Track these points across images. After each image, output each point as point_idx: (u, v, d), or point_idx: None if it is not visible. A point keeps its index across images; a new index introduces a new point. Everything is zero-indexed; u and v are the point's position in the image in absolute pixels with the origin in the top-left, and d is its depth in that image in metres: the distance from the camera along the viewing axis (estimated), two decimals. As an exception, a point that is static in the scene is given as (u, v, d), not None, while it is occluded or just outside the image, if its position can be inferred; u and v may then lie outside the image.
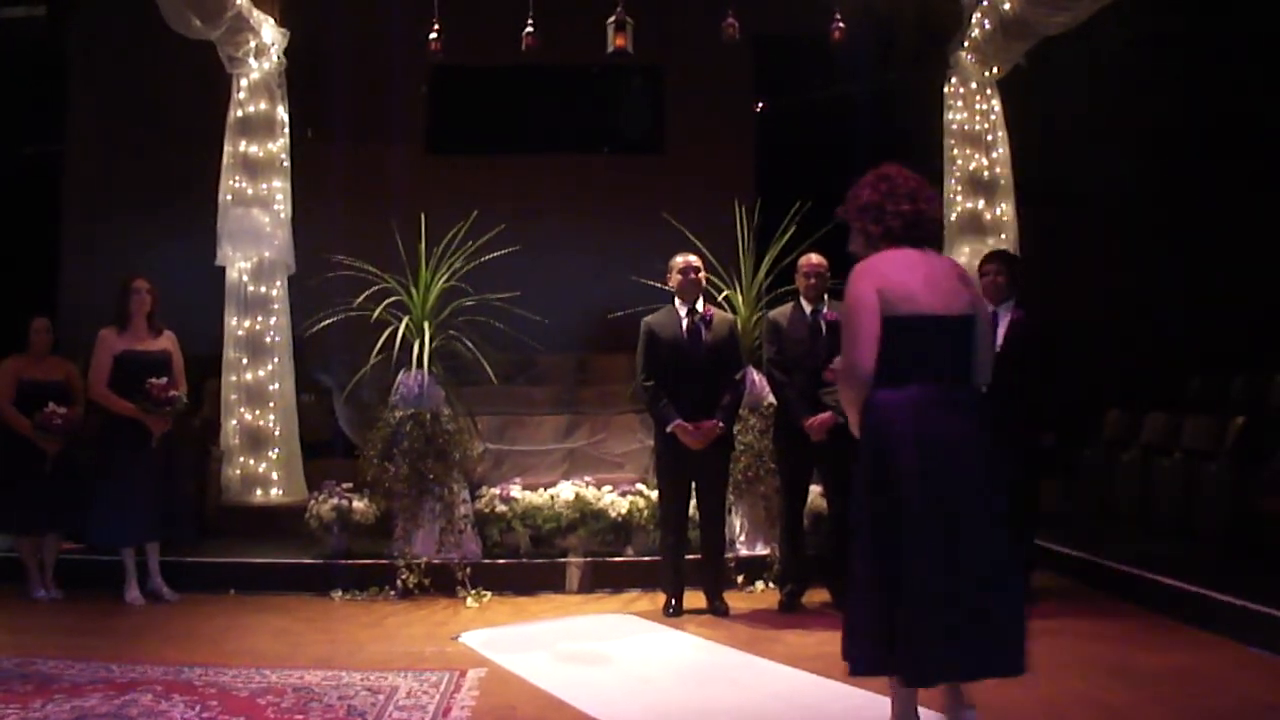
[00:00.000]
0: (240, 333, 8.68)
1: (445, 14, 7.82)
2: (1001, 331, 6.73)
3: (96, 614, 6.45)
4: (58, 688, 4.78)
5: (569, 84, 11.55)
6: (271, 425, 8.68)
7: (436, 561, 6.96)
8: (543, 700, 4.80)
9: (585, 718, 4.57)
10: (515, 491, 7.41)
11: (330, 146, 10.27)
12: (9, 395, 6.86)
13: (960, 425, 3.72)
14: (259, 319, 8.72)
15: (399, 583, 6.89)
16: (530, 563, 7.26)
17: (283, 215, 8.80)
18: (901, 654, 3.66)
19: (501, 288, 7.29)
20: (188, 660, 5.30)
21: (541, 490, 7.45)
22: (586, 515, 7.29)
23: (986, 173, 8.67)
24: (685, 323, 6.53)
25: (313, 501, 7.40)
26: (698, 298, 6.58)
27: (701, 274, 6.65)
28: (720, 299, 7.39)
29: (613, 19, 7.43)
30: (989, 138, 8.73)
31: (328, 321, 7.25)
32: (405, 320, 7.18)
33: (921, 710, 3.95)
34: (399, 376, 7.21)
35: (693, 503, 6.63)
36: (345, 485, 7.40)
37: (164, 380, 6.80)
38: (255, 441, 8.64)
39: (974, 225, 8.64)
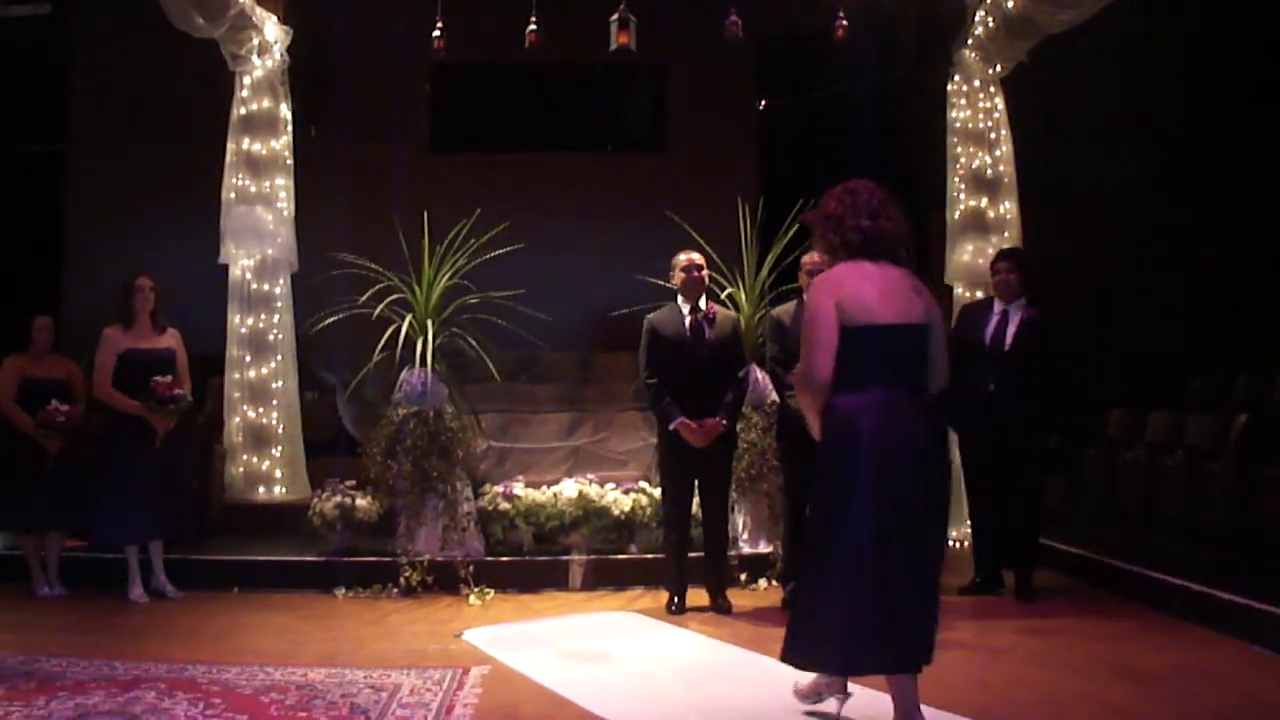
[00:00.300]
0: (243, 330, 8.68)
1: (448, 12, 7.83)
2: (1012, 330, 6.75)
3: (100, 612, 6.45)
4: (61, 685, 4.79)
5: (572, 82, 11.57)
6: (275, 423, 8.68)
7: (439, 559, 6.96)
8: (546, 698, 4.80)
9: (588, 715, 4.57)
10: (518, 489, 7.41)
11: (333, 144, 10.29)
12: (11, 393, 6.87)
13: (914, 428, 3.94)
14: (262, 317, 8.72)
15: (402, 580, 6.90)
16: (533, 560, 7.27)
17: (286, 213, 8.80)
18: (840, 646, 3.95)
19: (504, 285, 7.28)
20: (191, 658, 5.30)
21: (544, 488, 7.46)
22: (589, 513, 7.29)
23: (990, 171, 8.66)
24: (688, 320, 6.52)
25: (316, 499, 7.40)
26: (701, 295, 6.58)
27: (704, 272, 6.65)
28: (723, 297, 7.38)
29: (616, 17, 7.44)
30: (992, 136, 8.71)
31: (331, 319, 7.25)
32: (408, 318, 7.18)
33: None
34: (402, 374, 7.21)
35: (696, 500, 6.63)
36: (348, 483, 7.40)
37: (169, 378, 6.80)
38: (258, 439, 8.64)
39: (977, 223, 8.63)
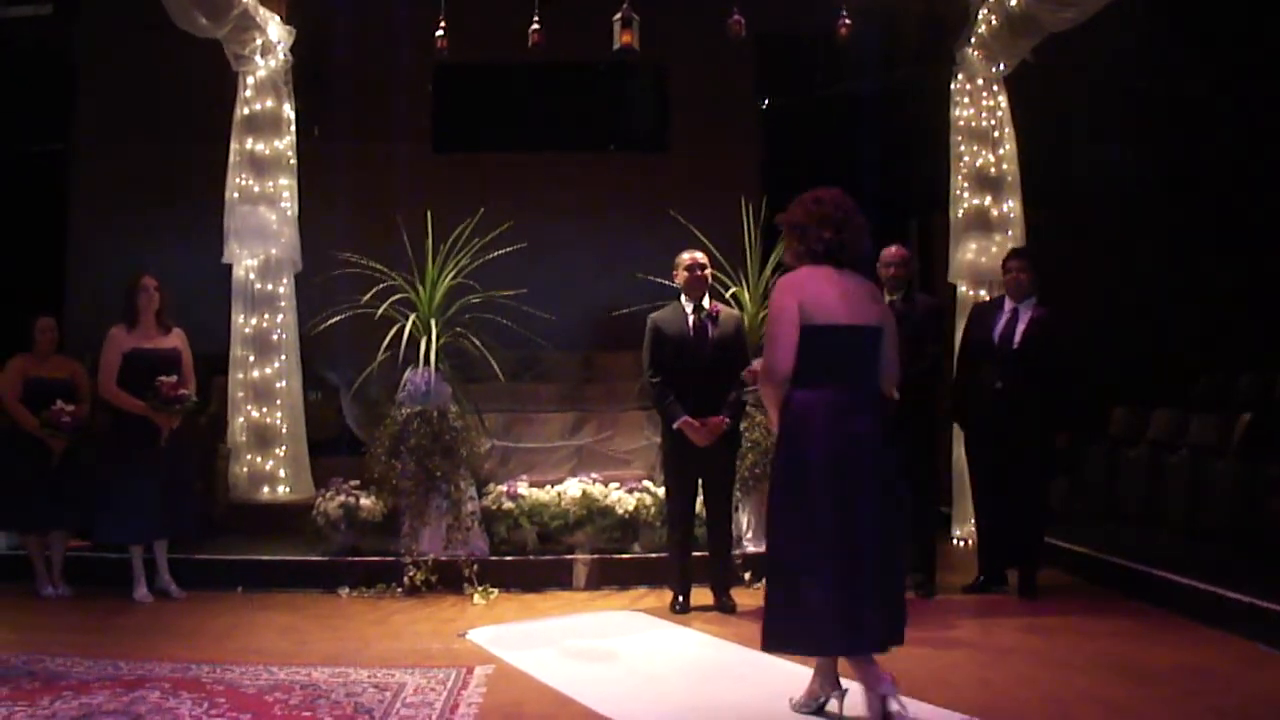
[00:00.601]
0: (247, 330, 8.68)
1: (451, 12, 7.82)
2: (1021, 328, 6.76)
3: (104, 611, 6.46)
4: (65, 685, 4.80)
5: (575, 82, 11.56)
6: (278, 423, 8.68)
7: (443, 559, 6.97)
8: (550, 697, 4.81)
9: (592, 714, 4.58)
10: (522, 488, 7.42)
11: (337, 144, 10.29)
12: (16, 393, 6.88)
13: (865, 423, 4.23)
14: (266, 316, 8.72)
15: (406, 580, 6.91)
16: (537, 560, 7.27)
17: (289, 213, 8.80)
18: (806, 629, 4.18)
19: (508, 285, 7.29)
20: (195, 658, 5.31)
21: (548, 487, 7.46)
22: (593, 512, 7.30)
23: (993, 169, 8.64)
24: (691, 319, 6.53)
25: (320, 499, 7.41)
26: (704, 294, 6.58)
27: (707, 271, 6.64)
28: (727, 296, 7.39)
29: (619, 16, 7.43)
30: (995, 134, 8.70)
31: (334, 319, 7.26)
32: (412, 318, 7.18)
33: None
34: (406, 374, 7.21)
35: (699, 499, 6.63)
36: (352, 483, 7.40)
37: (174, 378, 6.81)
38: (262, 439, 8.64)
39: (980, 222, 8.61)
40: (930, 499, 7.26)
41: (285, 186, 8.80)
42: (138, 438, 6.78)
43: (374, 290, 7.16)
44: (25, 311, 7.20)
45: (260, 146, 8.72)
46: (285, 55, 8.82)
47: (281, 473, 8.64)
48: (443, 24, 7.81)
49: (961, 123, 8.80)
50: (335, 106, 10.28)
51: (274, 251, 8.71)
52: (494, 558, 7.20)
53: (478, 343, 7.24)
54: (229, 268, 8.73)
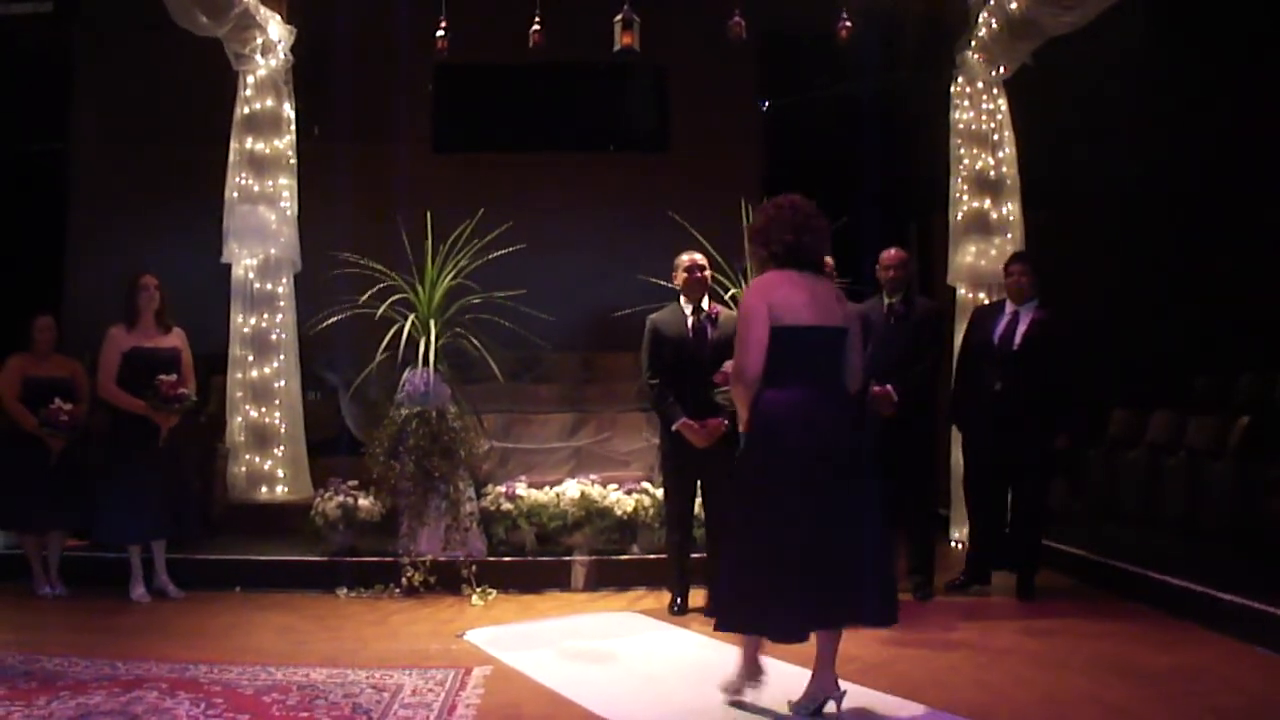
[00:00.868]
0: (246, 330, 8.67)
1: (452, 12, 7.82)
2: (1021, 330, 6.77)
3: (101, 611, 6.45)
4: (62, 685, 4.80)
5: (575, 82, 11.57)
6: (277, 423, 8.67)
7: (442, 559, 6.97)
8: (548, 698, 4.81)
9: (590, 715, 4.58)
10: (521, 489, 7.42)
11: (336, 144, 10.28)
12: (14, 392, 6.88)
13: (833, 420, 4.44)
14: (265, 316, 8.71)
15: (404, 580, 6.90)
16: (535, 561, 7.27)
17: (289, 212, 8.80)
18: (773, 613, 4.35)
19: (507, 285, 7.28)
20: (193, 658, 5.31)
21: (547, 488, 7.46)
22: (592, 513, 7.30)
23: (993, 172, 8.64)
24: (691, 321, 6.52)
25: (318, 499, 7.41)
26: (703, 296, 6.58)
27: (707, 272, 6.64)
28: (726, 297, 7.38)
29: (619, 17, 7.43)
30: (995, 137, 8.70)
31: (334, 319, 7.25)
32: (411, 318, 7.18)
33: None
34: (405, 374, 7.21)
35: (698, 501, 6.63)
36: (351, 483, 7.41)
37: (174, 377, 6.81)
38: (261, 439, 8.63)
39: (980, 225, 8.61)
40: (928, 502, 7.27)
41: (285, 186, 8.79)
42: (137, 437, 6.78)
43: (373, 290, 7.15)
44: (24, 310, 7.20)
45: (260, 146, 8.71)
46: (285, 54, 8.81)
47: (280, 473, 8.62)
48: (443, 24, 7.81)
49: (961, 125, 8.80)
50: (335, 106, 10.27)
51: (273, 251, 8.70)
52: (492, 558, 7.20)
53: (477, 343, 7.24)
54: (228, 267, 8.71)
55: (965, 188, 8.72)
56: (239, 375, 8.68)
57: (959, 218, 8.73)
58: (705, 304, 6.56)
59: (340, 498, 7.29)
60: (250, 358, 8.67)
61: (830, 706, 4.44)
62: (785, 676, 4.76)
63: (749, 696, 4.63)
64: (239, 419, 8.63)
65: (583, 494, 7.34)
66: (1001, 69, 8.66)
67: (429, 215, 7.31)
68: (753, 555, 4.40)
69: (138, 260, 8.17)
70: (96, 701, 4.56)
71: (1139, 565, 6.88)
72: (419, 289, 7.26)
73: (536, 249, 7.95)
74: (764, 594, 4.34)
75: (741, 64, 10.98)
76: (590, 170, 11.50)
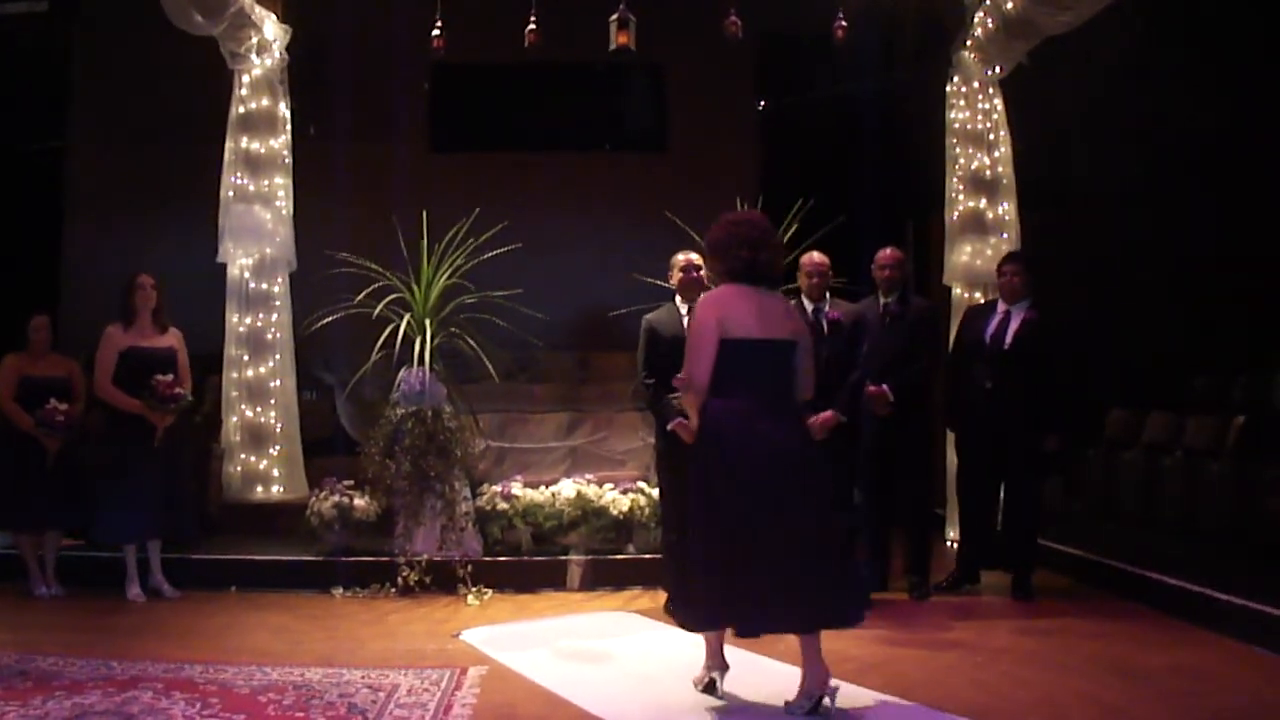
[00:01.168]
0: (241, 329, 8.66)
1: (448, 11, 7.81)
2: (1013, 329, 6.77)
3: (97, 611, 6.44)
4: (58, 685, 4.78)
5: (571, 81, 11.55)
6: (273, 422, 8.66)
7: (437, 559, 6.96)
8: (543, 698, 4.80)
9: (586, 715, 4.58)
10: (516, 489, 7.41)
11: (332, 143, 10.27)
12: (10, 392, 6.86)
13: (780, 429, 4.56)
14: (260, 316, 8.70)
15: (400, 580, 6.89)
16: (531, 560, 7.26)
17: (284, 212, 8.78)
18: (733, 611, 4.50)
19: (503, 285, 7.28)
20: (188, 658, 5.30)
21: (543, 488, 7.45)
22: (588, 513, 7.29)
23: (988, 172, 8.65)
24: (686, 321, 6.50)
25: (314, 499, 7.39)
26: (699, 296, 6.55)
27: (703, 272, 6.61)
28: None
29: (615, 16, 7.43)
30: (991, 137, 8.71)
31: (329, 318, 7.25)
32: (407, 317, 7.17)
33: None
34: (400, 373, 7.20)
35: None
36: (346, 482, 7.39)
37: (170, 377, 6.80)
38: (256, 439, 8.62)
39: (975, 224, 8.62)
40: (925, 501, 7.26)
41: (280, 185, 8.78)
42: (133, 437, 6.76)
43: (369, 289, 7.15)
44: (20, 310, 7.18)
45: (256, 145, 8.70)
46: (281, 54, 8.79)
47: (275, 472, 8.61)
48: (439, 24, 7.80)
49: (957, 125, 8.80)
50: (331, 105, 10.26)
51: (269, 250, 8.69)
52: (488, 558, 7.19)
53: (473, 343, 7.23)
54: (224, 266, 8.69)
55: (961, 187, 8.73)
56: (234, 375, 8.66)
57: (955, 217, 8.74)
58: (701, 304, 6.54)
59: (336, 497, 7.28)
60: (246, 357, 8.65)
61: (826, 702, 4.43)
62: (785, 676, 4.76)
63: (719, 688, 4.78)
64: (234, 418, 8.62)
65: (578, 494, 7.34)
66: (998, 69, 8.66)
67: (425, 214, 7.29)
68: (701, 556, 4.51)
69: (133, 259, 8.19)
70: (92, 701, 4.55)
71: (1136, 565, 6.88)
72: (415, 288, 7.26)
73: (532, 248, 7.95)
74: (715, 592, 4.48)
75: (739, 64, 10.98)
76: (587, 170, 11.49)
